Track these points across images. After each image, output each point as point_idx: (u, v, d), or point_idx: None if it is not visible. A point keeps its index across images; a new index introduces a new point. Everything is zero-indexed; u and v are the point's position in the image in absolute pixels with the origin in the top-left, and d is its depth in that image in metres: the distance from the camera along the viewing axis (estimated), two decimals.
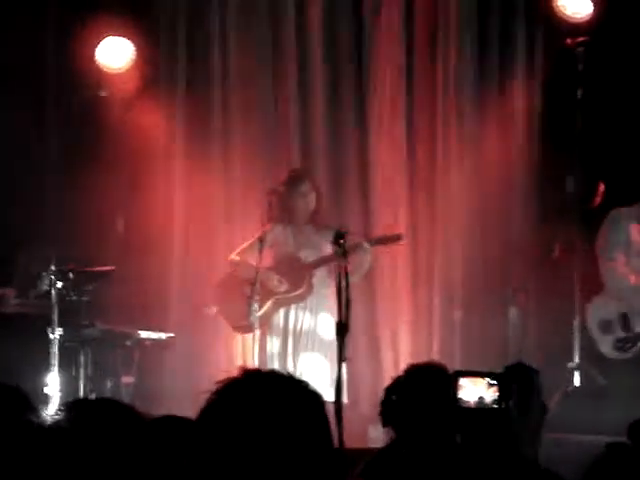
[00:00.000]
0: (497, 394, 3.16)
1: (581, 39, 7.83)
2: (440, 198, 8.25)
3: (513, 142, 8.19)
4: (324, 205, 7.39)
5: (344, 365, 5.09)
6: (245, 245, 7.31)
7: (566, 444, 6.11)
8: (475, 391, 3.16)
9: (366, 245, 7.02)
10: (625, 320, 7.54)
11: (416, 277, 8.24)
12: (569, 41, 7.87)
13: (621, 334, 7.54)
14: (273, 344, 7.15)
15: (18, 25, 7.95)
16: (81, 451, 2.08)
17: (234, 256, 7.32)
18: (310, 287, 7.16)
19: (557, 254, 7.50)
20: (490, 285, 8.10)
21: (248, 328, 7.19)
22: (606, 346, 7.54)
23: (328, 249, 7.13)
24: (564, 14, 7.93)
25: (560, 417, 6.81)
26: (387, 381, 7.75)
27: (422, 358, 7.39)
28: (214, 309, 7.38)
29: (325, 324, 7.15)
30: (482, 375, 3.18)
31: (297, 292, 7.14)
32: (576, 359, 7.60)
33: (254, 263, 6.99)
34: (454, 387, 3.16)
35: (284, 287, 7.12)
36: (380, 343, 8.18)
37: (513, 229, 8.17)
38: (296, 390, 1.91)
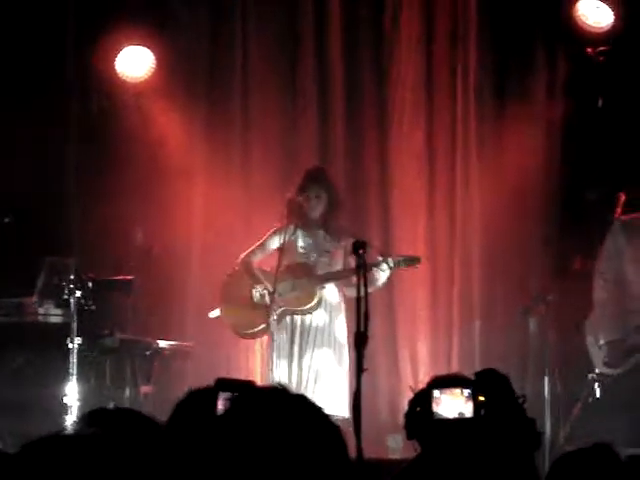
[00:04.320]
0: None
1: (602, 48, 7.81)
2: (460, 207, 8.23)
3: (533, 152, 8.14)
4: (339, 209, 7.15)
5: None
6: (255, 246, 7.17)
7: None
8: (454, 406, 3.05)
9: (384, 267, 6.85)
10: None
11: (435, 287, 8.21)
12: (590, 50, 7.85)
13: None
14: (293, 354, 7.06)
15: (39, 35, 7.99)
16: (99, 461, 2.07)
17: (247, 256, 7.15)
18: (320, 302, 7.04)
19: (577, 265, 7.45)
20: (510, 296, 8.06)
21: (254, 335, 7.16)
22: (597, 361, 7.48)
23: (339, 257, 7.08)
24: (585, 24, 7.91)
25: (582, 428, 6.77)
26: (406, 392, 7.72)
27: (441, 369, 7.37)
28: (217, 312, 7.18)
29: (341, 330, 7.08)
30: (456, 385, 3.07)
31: (307, 307, 7.04)
32: (597, 370, 7.55)
33: (266, 264, 7.01)
34: (429, 401, 3.06)
35: (297, 303, 7.01)
36: (399, 354, 8.14)
37: (533, 239, 8.13)
38: (293, 407, 1.86)
